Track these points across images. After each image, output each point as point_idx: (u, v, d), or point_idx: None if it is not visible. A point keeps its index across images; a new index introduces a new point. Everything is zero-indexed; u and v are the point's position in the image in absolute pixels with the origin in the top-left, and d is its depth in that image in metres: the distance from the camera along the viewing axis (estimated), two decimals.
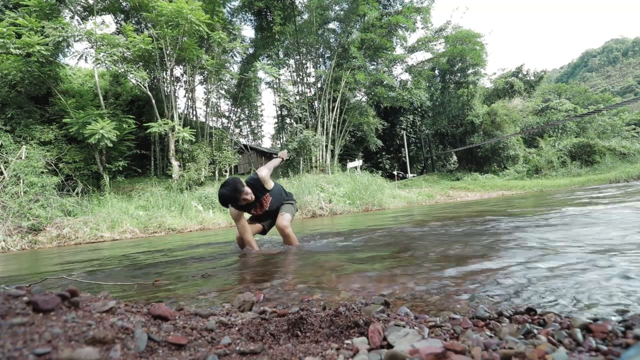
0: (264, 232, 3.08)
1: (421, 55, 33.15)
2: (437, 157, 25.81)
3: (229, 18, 15.70)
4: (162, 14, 10.61)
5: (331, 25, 18.03)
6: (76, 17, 12.10)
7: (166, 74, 12.60)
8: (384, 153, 23.71)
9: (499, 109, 21.68)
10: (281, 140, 19.46)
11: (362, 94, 19.47)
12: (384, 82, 17.22)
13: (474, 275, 1.37)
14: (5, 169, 8.50)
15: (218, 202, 2.66)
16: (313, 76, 18.38)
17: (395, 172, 21.60)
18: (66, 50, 10.94)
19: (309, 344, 0.70)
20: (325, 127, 16.81)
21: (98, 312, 0.65)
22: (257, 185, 2.77)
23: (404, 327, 0.76)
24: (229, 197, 2.53)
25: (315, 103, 18.15)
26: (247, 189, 2.62)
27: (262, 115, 20.11)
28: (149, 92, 11.80)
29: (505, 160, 21.80)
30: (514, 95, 24.78)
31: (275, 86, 18.56)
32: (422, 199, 12.84)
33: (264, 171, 2.78)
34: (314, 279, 1.58)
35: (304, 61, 17.93)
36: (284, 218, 2.83)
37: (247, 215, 2.97)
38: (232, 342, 0.69)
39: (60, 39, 9.69)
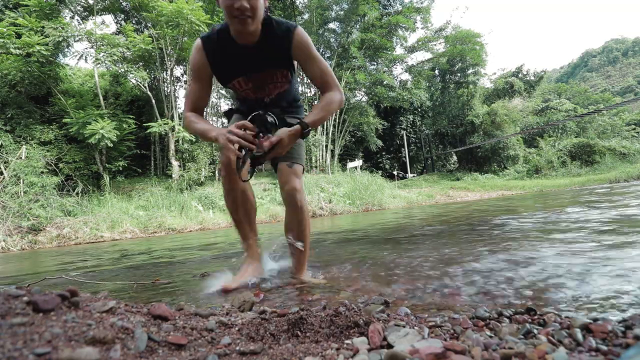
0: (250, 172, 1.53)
1: (421, 55, 33.17)
2: (437, 157, 25.80)
3: None
4: (162, 14, 10.61)
5: (331, 25, 18.04)
6: (76, 17, 12.10)
7: (166, 74, 12.60)
8: (384, 153, 23.69)
9: (499, 109, 21.68)
10: None
11: (362, 94, 19.47)
12: (384, 82, 17.22)
13: (475, 275, 1.37)
14: (5, 169, 8.49)
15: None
16: None
17: (395, 172, 21.58)
18: (66, 50, 10.94)
19: (309, 344, 0.70)
20: (325, 127, 16.80)
21: (98, 312, 0.65)
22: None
23: (404, 327, 0.76)
24: None
25: (316, 103, 18.16)
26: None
27: None
28: (149, 92, 11.80)
29: (505, 160, 21.79)
30: (514, 95, 24.77)
31: None
32: (422, 199, 12.84)
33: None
34: (314, 278, 1.57)
35: None
36: (295, 172, 1.53)
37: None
38: (232, 342, 0.69)
39: (60, 39, 9.69)
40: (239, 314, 0.98)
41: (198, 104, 1.43)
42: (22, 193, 8.12)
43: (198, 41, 1.36)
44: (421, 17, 18.66)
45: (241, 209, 1.56)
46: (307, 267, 1.61)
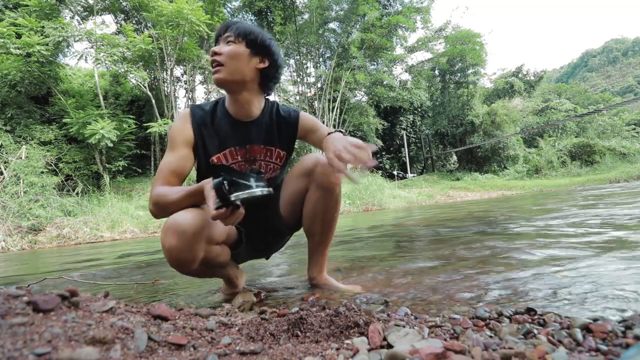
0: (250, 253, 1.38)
1: (421, 55, 33.01)
2: (437, 157, 25.78)
3: (230, 18, 15.71)
4: (162, 14, 10.60)
5: (331, 25, 18.05)
6: (76, 17, 12.11)
7: (166, 74, 12.60)
8: (384, 153, 23.68)
9: (499, 109, 21.67)
10: None
11: (362, 94, 19.48)
12: (384, 82, 17.22)
13: (475, 275, 1.37)
14: (5, 169, 8.49)
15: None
16: (313, 76, 18.38)
17: (395, 172, 21.56)
18: (66, 50, 10.94)
19: (309, 344, 0.70)
20: None
21: (98, 312, 0.65)
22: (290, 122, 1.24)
23: (404, 327, 0.76)
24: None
25: (315, 103, 18.15)
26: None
27: None
28: (149, 92, 11.80)
29: (505, 160, 21.79)
30: (514, 95, 24.76)
31: None
32: (422, 199, 12.84)
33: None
34: None
35: (304, 61, 17.93)
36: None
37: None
38: (232, 342, 0.69)
39: (60, 39, 9.69)
40: (239, 314, 0.98)
41: (179, 174, 1.09)
42: (22, 193, 8.11)
43: (186, 110, 1.21)
44: (421, 17, 18.67)
45: (217, 270, 1.24)
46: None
